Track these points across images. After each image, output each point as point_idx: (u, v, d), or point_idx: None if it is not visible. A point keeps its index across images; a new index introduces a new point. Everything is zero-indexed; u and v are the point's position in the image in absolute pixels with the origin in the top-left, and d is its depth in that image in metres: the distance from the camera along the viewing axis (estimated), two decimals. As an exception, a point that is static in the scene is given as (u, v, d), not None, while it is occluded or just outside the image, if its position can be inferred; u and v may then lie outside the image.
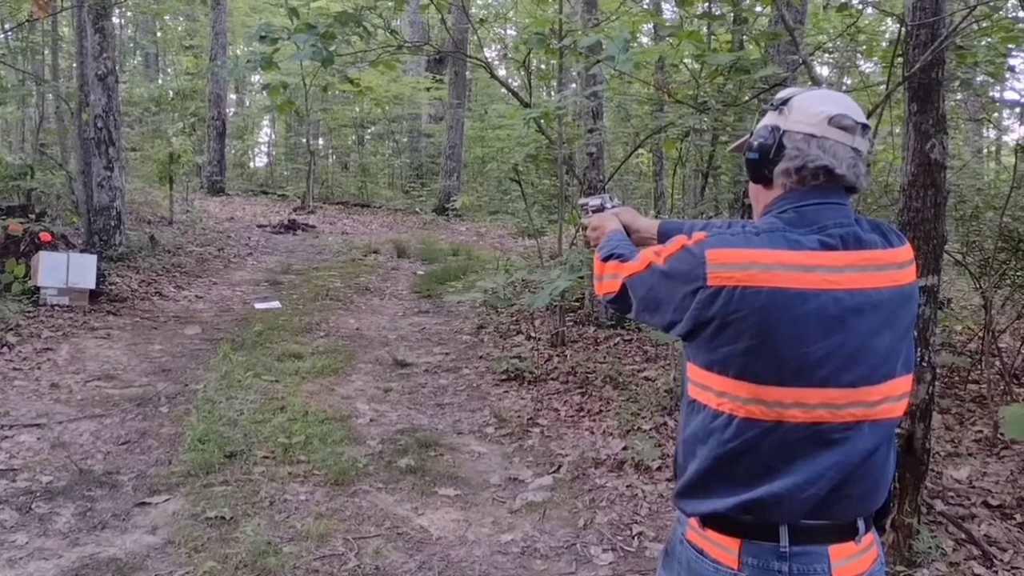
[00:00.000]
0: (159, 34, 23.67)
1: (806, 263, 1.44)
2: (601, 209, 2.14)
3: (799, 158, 1.54)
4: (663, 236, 2.00)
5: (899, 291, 1.52)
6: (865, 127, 1.54)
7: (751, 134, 1.65)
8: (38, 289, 7.53)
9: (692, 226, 1.95)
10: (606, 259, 1.80)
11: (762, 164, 1.59)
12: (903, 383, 1.53)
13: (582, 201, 2.25)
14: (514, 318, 7.93)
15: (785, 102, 1.59)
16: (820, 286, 1.43)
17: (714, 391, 1.50)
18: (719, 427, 1.49)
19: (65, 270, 7.59)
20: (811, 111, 1.54)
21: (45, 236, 7.81)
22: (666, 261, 1.56)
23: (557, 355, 6.83)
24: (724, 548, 1.50)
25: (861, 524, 1.52)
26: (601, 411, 5.51)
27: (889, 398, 1.50)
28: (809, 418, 1.44)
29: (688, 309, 1.49)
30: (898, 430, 1.59)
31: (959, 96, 9.15)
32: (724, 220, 1.84)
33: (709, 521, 1.53)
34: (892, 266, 1.52)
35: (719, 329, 1.46)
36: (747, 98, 5.62)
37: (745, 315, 1.43)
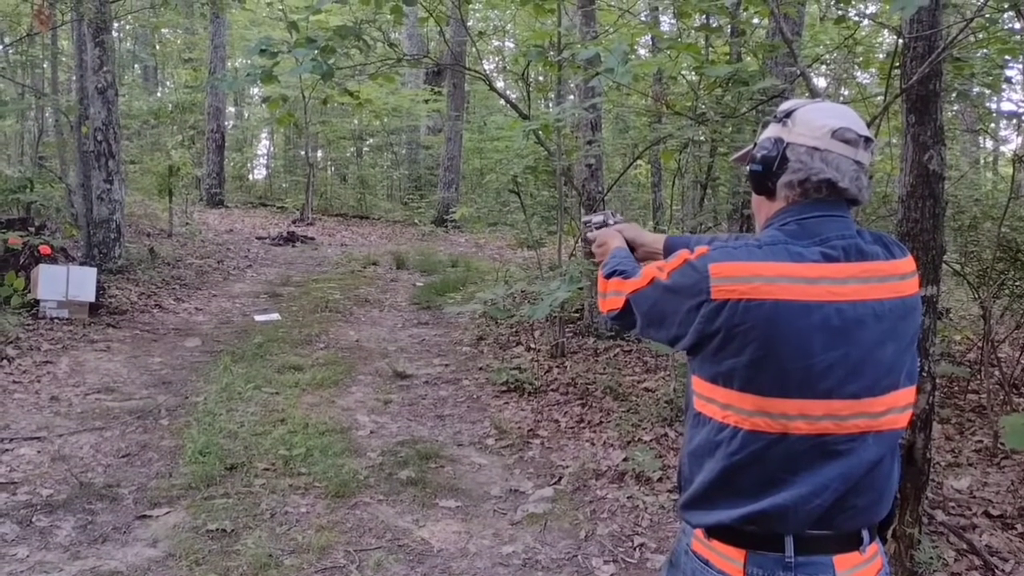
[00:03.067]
0: (158, 47, 23.73)
1: (809, 275, 1.45)
2: (604, 225, 2.15)
3: (802, 171, 1.55)
4: (669, 251, 2.00)
5: (902, 302, 1.53)
6: (868, 140, 1.55)
7: (754, 145, 1.66)
8: (38, 302, 7.53)
9: (698, 241, 1.95)
10: (609, 276, 1.81)
11: (765, 176, 1.60)
12: (907, 394, 1.54)
13: (585, 218, 2.26)
14: (513, 329, 7.93)
15: (789, 114, 1.60)
16: (823, 298, 1.44)
17: (719, 404, 1.51)
18: (725, 439, 1.50)
19: (65, 283, 7.59)
20: (815, 124, 1.55)
21: (44, 249, 7.81)
22: (669, 276, 1.57)
23: (557, 366, 6.83)
24: (729, 559, 1.51)
25: (865, 534, 1.53)
26: (601, 422, 5.51)
27: (893, 409, 1.51)
28: (814, 430, 1.45)
29: (692, 323, 1.50)
30: (899, 440, 1.60)
31: (956, 107, 9.19)
32: (729, 235, 1.84)
33: (714, 532, 1.53)
34: (894, 277, 1.52)
35: (723, 342, 1.47)
36: (745, 110, 5.65)
37: (749, 328, 1.44)
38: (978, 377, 5.93)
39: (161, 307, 8.71)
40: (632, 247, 2.05)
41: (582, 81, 7.26)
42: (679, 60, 5.62)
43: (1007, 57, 5.05)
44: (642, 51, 12.05)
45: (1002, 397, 5.56)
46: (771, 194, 1.61)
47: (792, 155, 1.56)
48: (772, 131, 1.62)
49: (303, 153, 20.00)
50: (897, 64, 3.89)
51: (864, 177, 1.55)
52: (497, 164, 11.12)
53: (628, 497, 4.36)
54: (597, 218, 2.19)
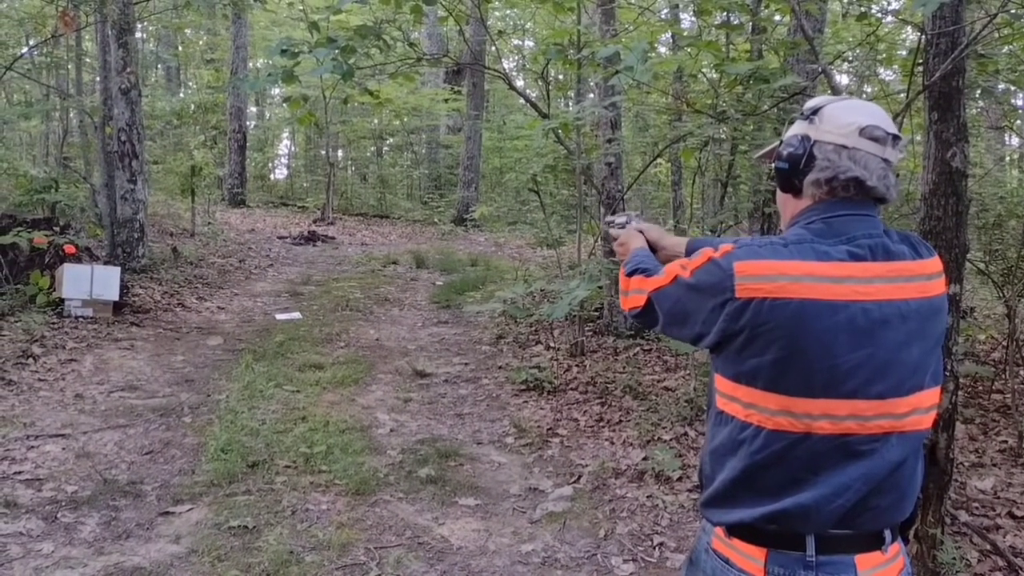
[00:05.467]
0: (180, 48, 23.93)
1: (835, 274, 1.44)
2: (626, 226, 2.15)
3: (830, 169, 1.53)
4: (691, 253, 1.99)
5: (928, 302, 1.51)
6: (896, 137, 1.53)
7: (780, 143, 1.65)
8: (62, 301, 7.61)
9: (720, 243, 1.94)
10: (631, 274, 1.80)
11: (792, 174, 1.58)
12: (931, 395, 1.52)
13: (608, 219, 2.26)
14: (533, 328, 7.93)
15: (816, 111, 1.58)
16: (849, 297, 1.43)
17: (742, 403, 1.50)
18: (747, 438, 1.50)
19: (89, 282, 7.67)
20: (842, 121, 1.53)
21: (69, 248, 7.90)
22: (692, 274, 1.56)
23: (576, 365, 6.83)
24: (750, 557, 1.50)
25: (887, 534, 1.52)
26: (621, 421, 5.50)
27: (917, 410, 1.49)
28: (837, 430, 1.44)
29: (716, 322, 1.50)
30: (923, 441, 1.59)
31: (980, 104, 9.09)
32: (752, 238, 1.82)
33: (735, 531, 1.53)
34: (921, 277, 1.51)
35: (747, 341, 1.46)
36: (766, 108, 5.61)
37: (774, 327, 1.43)
38: (1002, 377, 5.87)
39: (184, 306, 8.78)
40: (654, 248, 2.03)
41: (602, 79, 7.24)
42: (699, 58, 5.60)
43: (1032, 53, 5.00)
44: (662, 49, 12.01)
45: (1027, 397, 5.49)
46: (797, 192, 1.60)
47: (819, 153, 1.55)
48: (799, 128, 1.60)
49: (324, 153, 20.13)
50: (920, 61, 3.86)
51: (892, 175, 1.54)
52: (517, 163, 11.13)
53: (648, 496, 4.35)
54: (620, 219, 2.19)
